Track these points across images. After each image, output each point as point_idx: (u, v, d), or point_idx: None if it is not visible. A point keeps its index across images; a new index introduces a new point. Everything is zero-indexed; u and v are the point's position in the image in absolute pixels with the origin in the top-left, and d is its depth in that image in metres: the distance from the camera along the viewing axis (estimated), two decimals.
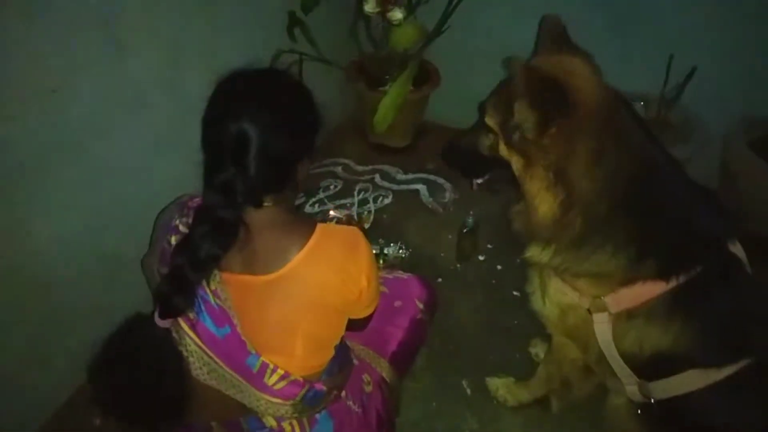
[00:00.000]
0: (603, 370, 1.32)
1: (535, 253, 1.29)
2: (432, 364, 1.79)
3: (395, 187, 2.50)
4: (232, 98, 1.07)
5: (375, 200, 2.42)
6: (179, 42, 1.72)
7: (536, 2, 1.67)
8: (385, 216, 2.35)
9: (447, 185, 2.49)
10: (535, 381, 1.62)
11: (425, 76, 2.48)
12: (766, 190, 2.03)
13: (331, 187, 2.48)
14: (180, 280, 1.05)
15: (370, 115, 2.57)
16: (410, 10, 2.26)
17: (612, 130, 1.12)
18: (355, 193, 2.45)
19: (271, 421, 1.19)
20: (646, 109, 2.25)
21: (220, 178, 1.02)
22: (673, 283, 1.12)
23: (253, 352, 1.10)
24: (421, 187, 2.48)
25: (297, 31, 2.21)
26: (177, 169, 1.72)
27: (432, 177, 2.54)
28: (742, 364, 1.11)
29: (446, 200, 2.43)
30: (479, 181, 1.43)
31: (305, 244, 1.08)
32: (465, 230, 2.04)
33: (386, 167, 2.60)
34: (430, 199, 2.43)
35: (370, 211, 2.36)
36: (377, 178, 2.53)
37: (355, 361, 1.43)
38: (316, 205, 2.39)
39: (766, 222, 2.04)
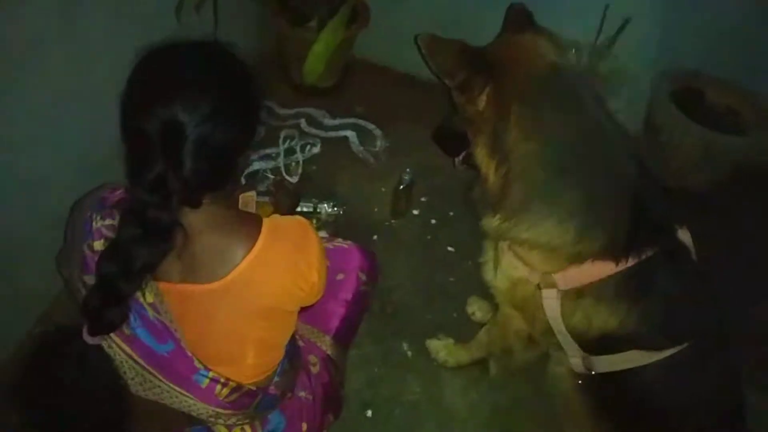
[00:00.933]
0: (547, 341, 1.36)
1: (486, 221, 1.28)
2: (372, 328, 1.77)
3: (323, 134, 2.36)
4: (160, 80, 0.91)
5: (302, 149, 2.27)
6: None
7: None
8: (314, 167, 2.23)
9: (377, 132, 2.39)
10: (475, 344, 1.65)
11: (353, 14, 2.29)
12: (686, 144, 2.11)
13: None
14: (111, 293, 0.92)
15: (293, 54, 2.37)
16: None
17: (552, 98, 1.15)
18: (280, 141, 2.28)
19: (222, 430, 1.12)
20: (577, 57, 2.23)
21: (150, 174, 0.87)
22: (622, 266, 1.15)
23: (201, 367, 1.00)
24: (351, 134, 2.36)
25: None
26: (85, 130, 1.51)
27: (362, 122, 2.42)
28: (682, 346, 1.17)
29: (377, 148, 2.33)
30: (459, 158, 1.42)
31: (252, 246, 0.97)
32: (401, 187, 1.98)
33: (312, 110, 2.43)
34: (361, 148, 2.32)
35: (297, 162, 2.22)
36: (303, 123, 2.38)
37: (300, 343, 1.38)
38: None
39: (685, 176, 2.15)
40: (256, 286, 0.99)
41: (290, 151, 2.26)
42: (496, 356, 1.58)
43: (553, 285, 1.22)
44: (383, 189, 2.17)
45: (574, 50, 2.18)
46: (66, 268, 1.08)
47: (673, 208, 1.20)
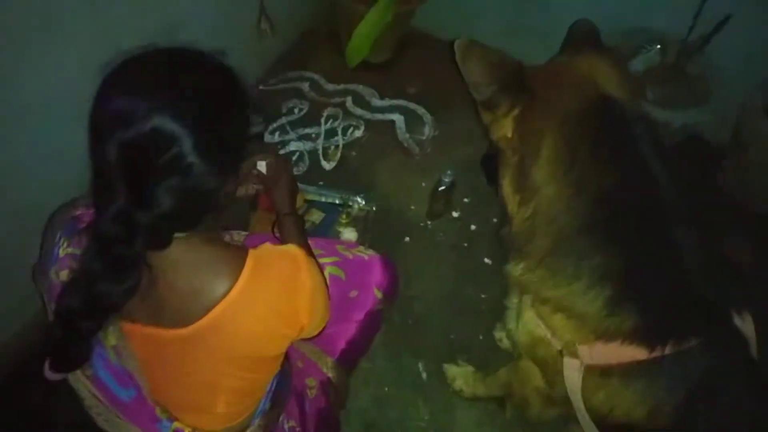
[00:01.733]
0: (567, 409, 1.21)
1: (510, 267, 1.13)
2: (388, 340, 1.67)
3: (368, 115, 2.20)
4: (129, 101, 0.76)
5: (344, 132, 2.14)
6: None
7: None
8: (353, 153, 2.09)
9: (427, 117, 2.21)
10: (494, 380, 1.51)
11: None
12: None
13: (296, 110, 2.18)
14: (71, 330, 0.84)
15: (345, 26, 2.20)
16: None
17: (596, 137, 0.97)
18: (323, 120, 2.15)
19: None
20: (663, 55, 1.94)
21: (114, 206, 0.76)
22: (657, 354, 0.97)
23: (164, 417, 0.93)
24: (398, 119, 2.19)
25: None
26: None
27: (412, 105, 2.24)
28: None
29: (424, 137, 2.16)
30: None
31: (231, 287, 0.85)
32: (440, 189, 1.82)
33: (360, 88, 2.28)
34: (407, 135, 2.16)
35: (337, 146, 2.09)
36: (349, 102, 2.23)
37: (300, 364, 1.29)
38: (277, 133, 2.10)
39: None
40: (231, 333, 0.87)
41: (331, 133, 2.13)
42: (513, 403, 1.44)
43: (576, 355, 1.06)
44: (423, 184, 2.01)
45: (658, 46, 1.90)
46: (40, 284, 1.02)
47: (733, 286, 0.99)
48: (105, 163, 0.75)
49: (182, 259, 0.84)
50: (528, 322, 1.16)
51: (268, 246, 0.96)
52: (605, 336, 0.99)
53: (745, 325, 0.99)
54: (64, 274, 0.90)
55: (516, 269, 1.10)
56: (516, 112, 1.03)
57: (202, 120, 0.78)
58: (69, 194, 1.08)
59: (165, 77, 0.79)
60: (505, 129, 1.05)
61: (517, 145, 1.04)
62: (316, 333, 1.08)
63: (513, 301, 1.25)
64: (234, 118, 0.85)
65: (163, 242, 0.82)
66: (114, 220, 0.76)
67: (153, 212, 0.76)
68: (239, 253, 0.89)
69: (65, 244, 0.92)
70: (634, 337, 0.96)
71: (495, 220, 1.94)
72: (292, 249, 0.97)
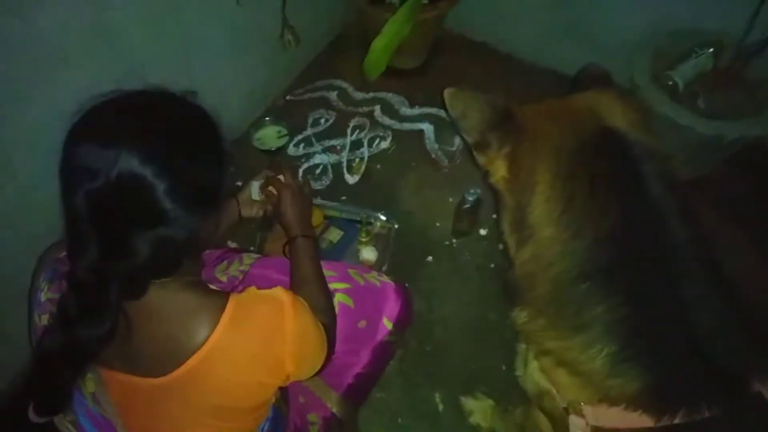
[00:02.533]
0: None
1: (516, 312, 1.05)
2: (404, 367, 1.60)
3: (397, 125, 2.12)
4: (95, 149, 0.73)
5: (370, 143, 2.07)
6: None
7: None
8: (378, 166, 2.02)
9: None
10: (510, 419, 1.42)
11: None
12: None
13: (322, 120, 2.13)
14: (50, 375, 0.84)
15: (372, 33, 2.12)
16: None
17: (597, 174, 0.89)
18: (348, 131, 2.09)
19: None
20: (716, 59, 1.76)
21: (87, 256, 0.74)
22: (665, 422, 0.86)
23: None
24: (427, 128, 2.10)
25: None
26: None
27: (443, 113, 2.14)
28: None
29: (454, 148, 2.06)
30: None
31: (208, 336, 0.82)
32: (465, 207, 1.72)
33: (390, 95, 2.20)
34: (436, 146, 2.06)
35: (362, 158, 2.03)
36: (377, 111, 2.15)
37: (301, 399, 1.25)
38: (302, 145, 2.06)
39: None
40: (208, 383, 0.84)
41: (357, 144, 2.07)
42: None
43: (581, 413, 0.96)
44: (451, 199, 1.92)
45: (711, 49, 1.73)
46: (31, 326, 1.02)
47: (756, 348, 0.86)
48: (75, 214, 0.73)
49: (159, 307, 0.82)
50: (533, 373, 1.08)
51: (252, 290, 0.93)
52: (608, 398, 0.90)
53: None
54: (45, 318, 0.90)
55: (520, 316, 1.02)
56: (507, 149, 0.98)
57: (173, 163, 0.75)
58: None
59: (131, 122, 0.77)
60: (500, 170, 1.00)
61: (513, 185, 0.98)
62: (307, 377, 1.03)
63: (521, 346, 1.16)
64: (208, 158, 0.82)
65: (139, 291, 0.80)
66: (88, 270, 0.75)
67: (127, 262, 0.75)
68: (219, 299, 0.86)
69: (46, 288, 0.92)
70: (639, 402, 0.87)
71: None
72: (279, 293, 0.92)
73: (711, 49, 1.74)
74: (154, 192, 0.72)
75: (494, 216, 1.87)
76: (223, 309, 0.84)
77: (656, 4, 1.81)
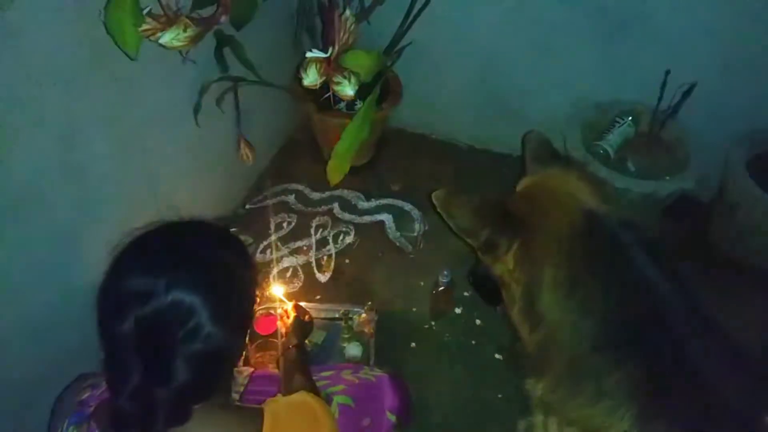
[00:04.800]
0: None
1: (531, 385, 1.10)
2: None
3: (357, 219, 2.20)
4: (146, 278, 0.78)
5: (335, 239, 2.13)
6: (74, 112, 1.34)
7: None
8: (347, 261, 2.07)
9: (415, 213, 2.21)
10: None
11: (384, 92, 2.13)
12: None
13: (284, 224, 2.17)
14: None
15: (323, 137, 2.25)
16: (363, 16, 1.89)
17: (590, 256, 0.99)
18: (312, 230, 2.15)
19: None
20: (637, 125, 1.98)
21: (131, 384, 0.75)
22: None
23: None
24: (387, 218, 2.19)
25: (227, 50, 1.83)
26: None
27: (398, 202, 2.24)
28: None
29: (415, 233, 2.15)
30: (499, 307, 1.34)
31: None
32: (439, 289, 1.79)
33: (346, 192, 2.29)
34: (398, 234, 2.15)
35: (330, 255, 2.08)
36: (336, 208, 2.23)
37: None
38: (268, 251, 2.09)
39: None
40: None
41: (323, 242, 2.12)
42: None
43: None
44: (422, 283, 1.98)
45: (630, 118, 1.95)
46: None
47: (758, 386, 0.95)
48: (120, 340, 0.75)
49: (201, 430, 0.83)
50: None
51: (281, 401, 0.96)
52: None
53: None
54: None
55: (537, 388, 1.08)
56: (515, 247, 1.05)
57: (216, 289, 0.80)
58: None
59: (178, 251, 0.82)
60: (507, 264, 1.07)
61: (519, 276, 1.05)
62: None
63: (537, 417, 1.19)
64: (244, 284, 0.88)
65: (184, 416, 0.81)
66: (132, 398, 0.76)
67: (171, 385, 0.76)
68: (255, 414, 0.88)
69: (72, 428, 0.89)
70: None
71: (498, 308, 1.90)
72: (308, 400, 0.97)
73: (630, 118, 1.96)
74: (200, 316, 0.77)
75: (466, 294, 1.95)
76: (261, 423, 0.87)
77: (581, 83, 2.04)
